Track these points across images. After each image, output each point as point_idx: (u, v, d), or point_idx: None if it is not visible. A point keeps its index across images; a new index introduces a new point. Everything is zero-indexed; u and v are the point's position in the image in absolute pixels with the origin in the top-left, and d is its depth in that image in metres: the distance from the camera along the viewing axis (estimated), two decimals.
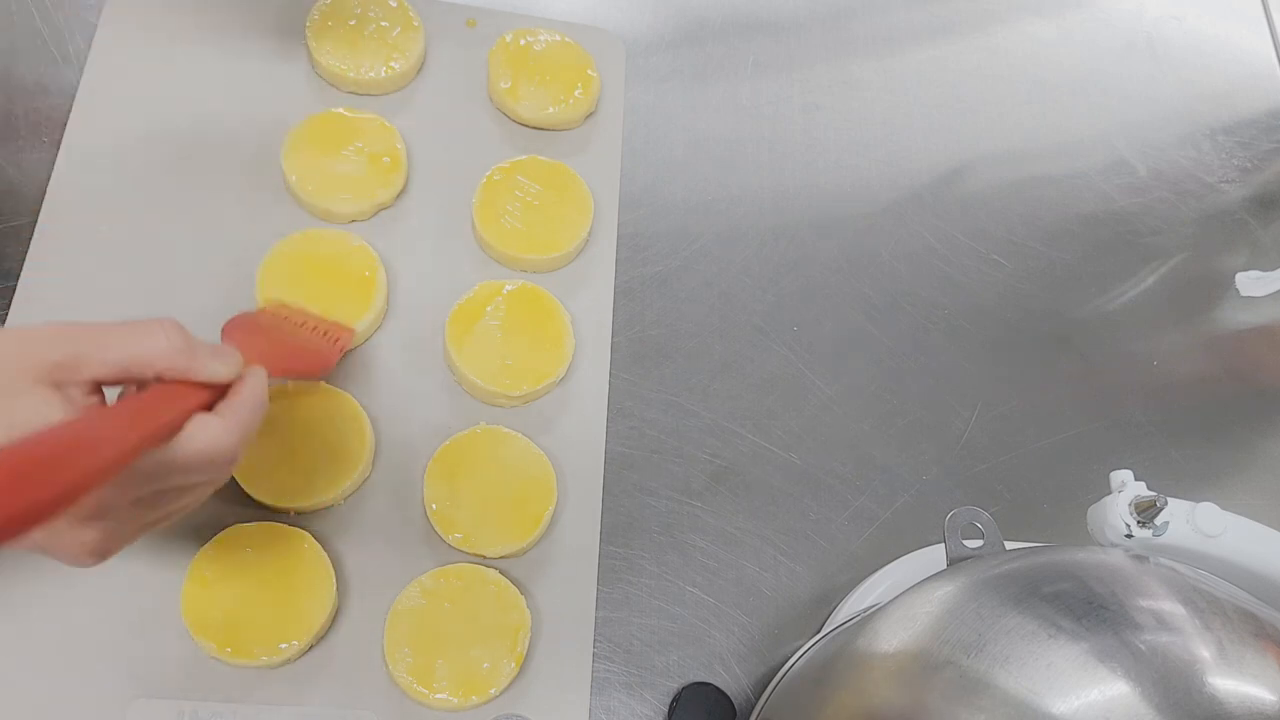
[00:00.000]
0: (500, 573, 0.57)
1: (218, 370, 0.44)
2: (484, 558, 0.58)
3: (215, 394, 0.45)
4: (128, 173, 0.63)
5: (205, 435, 0.42)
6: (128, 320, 0.43)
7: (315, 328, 0.58)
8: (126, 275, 0.61)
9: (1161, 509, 0.50)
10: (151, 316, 0.57)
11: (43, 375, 0.40)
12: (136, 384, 0.43)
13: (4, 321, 0.58)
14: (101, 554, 0.42)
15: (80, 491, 0.36)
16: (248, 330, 0.54)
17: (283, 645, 0.53)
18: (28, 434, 0.35)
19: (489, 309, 0.63)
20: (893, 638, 0.46)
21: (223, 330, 0.53)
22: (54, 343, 0.40)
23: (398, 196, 0.66)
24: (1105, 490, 0.53)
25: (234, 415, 0.44)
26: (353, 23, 0.68)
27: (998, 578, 0.46)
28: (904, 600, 0.48)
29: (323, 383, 0.59)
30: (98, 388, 0.42)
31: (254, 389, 0.46)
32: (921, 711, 0.42)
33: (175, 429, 0.42)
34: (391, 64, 0.68)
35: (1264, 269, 0.78)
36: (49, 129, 0.63)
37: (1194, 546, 0.50)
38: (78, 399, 0.41)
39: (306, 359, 0.56)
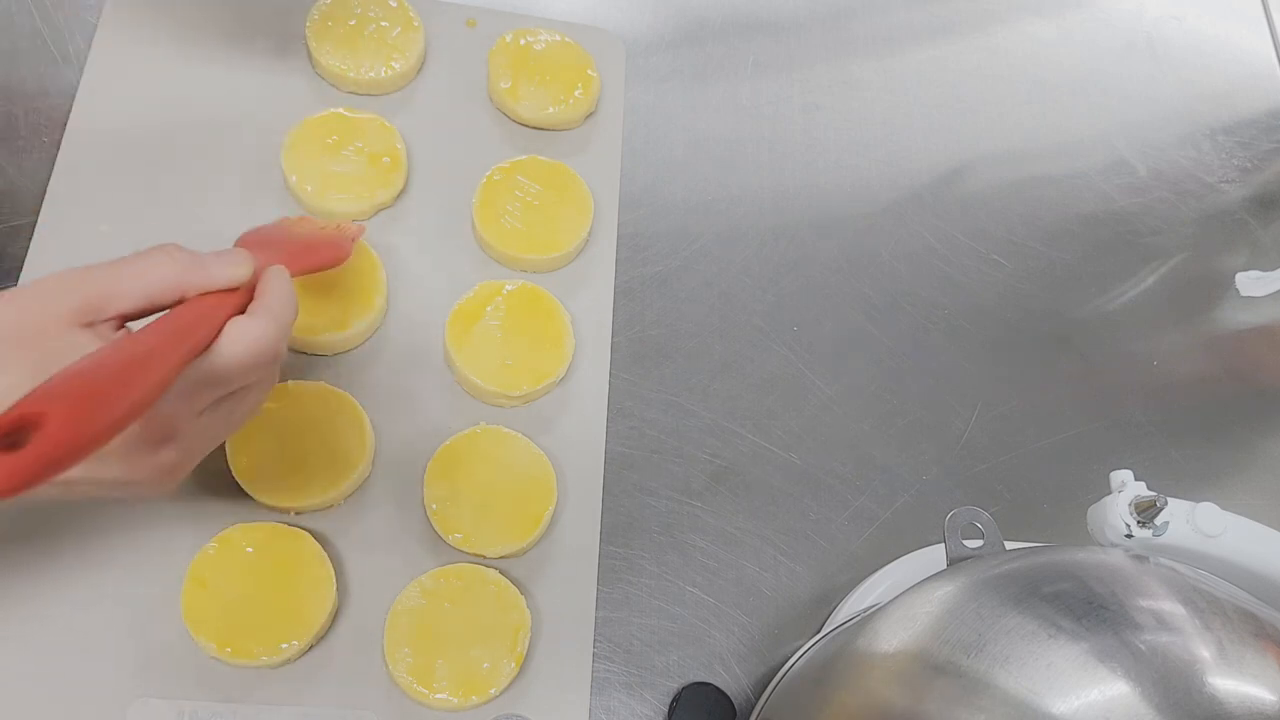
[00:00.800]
0: (500, 573, 0.57)
1: (233, 274, 0.46)
2: (484, 558, 0.58)
3: (243, 298, 0.46)
4: (128, 173, 0.63)
5: (244, 336, 0.44)
6: (131, 254, 0.44)
7: (323, 226, 0.60)
8: None
9: (1161, 509, 0.50)
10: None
11: (73, 318, 0.41)
12: (161, 311, 0.44)
13: None
14: (178, 473, 0.44)
15: (139, 409, 0.37)
16: (260, 238, 0.54)
17: (283, 645, 0.53)
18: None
19: (489, 309, 0.63)
20: (893, 638, 0.46)
21: (235, 243, 0.53)
22: (75, 286, 0.42)
23: (398, 196, 0.66)
24: (1105, 490, 0.53)
25: (266, 311, 0.45)
26: (353, 23, 0.68)
27: (998, 578, 0.46)
28: (904, 600, 0.48)
29: (323, 382, 0.59)
30: (123, 323, 0.43)
31: (279, 285, 0.47)
32: (921, 711, 0.42)
33: (212, 337, 0.43)
34: (391, 64, 0.68)
35: (1264, 269, 0.78)
36: (49, 129, 0.63)
37: (1194, 546, 0.50)
38: (108, 336, 0.42)
39: (321, 252, 0.57)
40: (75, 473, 0.38)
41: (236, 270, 0.46)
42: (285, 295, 0.47)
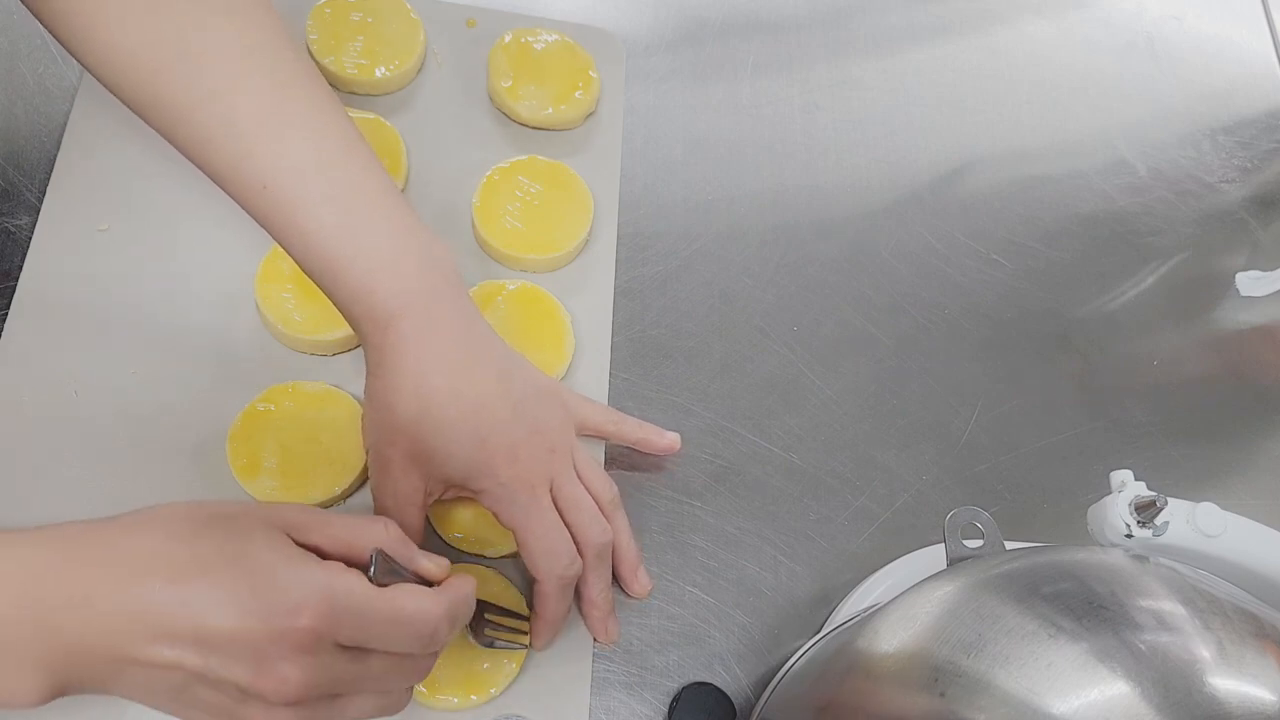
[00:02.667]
0: (500, 573, 0.57)
1: (429, 566, 0.46)
2: (484, 557, 0.58)
3: None
4: (128, 173, 0.63)
5: (412, 594, 0.43)
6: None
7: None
8: (127, 275, 0.61)
9: (1161, 509, 0.50)
10: (150, 318, 0.58)
11: (279, 526, 0.42)
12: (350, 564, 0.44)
13: (4, 321, 0.58)
14: (301, 702, 0.41)
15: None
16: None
17: None
18: (250, 557, 0.39)
19: (489, 309, 0.63)
20: (893, 638, 0.46)
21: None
22: (292, 510, 0.43)
23: None
24: (1105, 490, 0.53)
25: (443, 592, 0.45)
26: (353, 22, 0.68)
27: (998, 578, 0.46)
28: (904, 600, 0.48)
29: (322, 382, 0.59)
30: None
31: (463, 586, 0.47)
32: (921, 711, 0.42)
33: None
34: (391, 64, 0.68)
35: (1264, 269, 0.78)
36: (49, 129, 0.63)
37: (1194, 546, 0.50)
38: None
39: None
40: (203, 662, 0.38)
41: (434, 567, 0.46)
42: (465, 595, 0.46)
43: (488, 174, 0.66)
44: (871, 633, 0.48)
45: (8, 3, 0.66)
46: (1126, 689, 0.38)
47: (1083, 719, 0.38)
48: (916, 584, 0.49)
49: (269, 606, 0.39)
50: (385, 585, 0.42)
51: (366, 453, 0.54)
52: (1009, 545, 0.51)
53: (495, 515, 0.54)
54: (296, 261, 0.52)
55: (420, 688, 0.54)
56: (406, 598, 0.43)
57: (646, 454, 0.63)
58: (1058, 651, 0.40)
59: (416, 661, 0.44)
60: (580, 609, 0.57)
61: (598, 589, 0.56)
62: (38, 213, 0.61)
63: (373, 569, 0.42)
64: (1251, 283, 0.78)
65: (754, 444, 0.65)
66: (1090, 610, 0.41)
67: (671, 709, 0.57)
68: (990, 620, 0.42)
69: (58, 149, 0.62)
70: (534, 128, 0.70)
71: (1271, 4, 0.91)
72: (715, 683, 0.58)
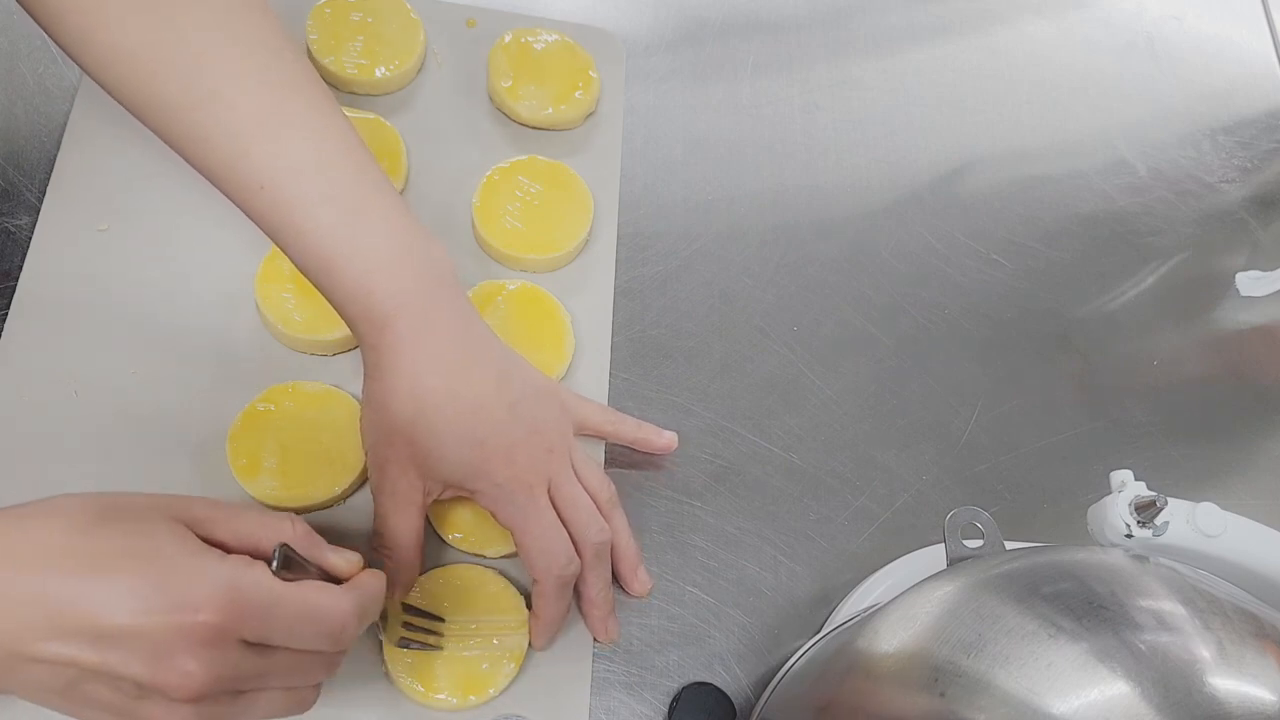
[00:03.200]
0: (500, 573, 0.57)
1: (336, 561, 0.45)
2: (483, 557, 0.58)
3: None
4: (128, 173, 0.63)
5: (319, 590, 0.43)
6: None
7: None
8: (127, 275, 0.61)
9: (1161, 509, 0.50)
10: (150, 318, 0.59)
11: (182, 519, 0.41)
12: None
13: (4, 321, 0.58)
14: (201, 699, 0.40)
15: None
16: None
17: None
18: (151, 550, 0.39)
19: (489, 309, 0.63)
20: (893, 638, 0.46)
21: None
22: (197, 503, 0.42)
23: None
24: (1105, 490, 0.53)
25: (352, 588, 0.44)
26: (353, 22, 0.68)
27: (998, 578, 0.46)
28: (904, 600, 0.48)
29: (322, 382, 0.59)
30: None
31: (373, 582, 0.46)
32: (921, 711, 0.42)
33: None
34: (391, 64, 0.68)
35: (1264, 269, 0.78)
36: (49, 129, 0.63)
37: (1194, 546, 0.50)
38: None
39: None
40: (99, 658, 0.38)
41: (344, 563, 0.46)
42: (375, 593, 0.46)
43: (488, 174, 0.66)
44: (871, 633, 0.48)
45: (8, 3, 0.66)
46: (1126, 689, 0.38)
47: (1083, 719, 0.38)
48: (916, 584, 0.49)
49: (169, 600, 0.38)
50: (290, 580, 0.42)
51: (365, 454, 0.54)
52: (1009, 545, 0.51)
53: (493, 515, 0.54)
54: (293, 262, 0.52)
55: (418, 686, 0.53)
56: (313, 593, 0.42)
57: (645, 454, 0.63)
58: (1058, 651, 0.40)
59: (323, 658, 0.44)
60: (580, 608, 0.57)
61: (597, 588, 0.56)
62: (38, 213, 0.61)
63: (274, 563, 0.41)
64: (1251, 283, 0.78)
65: (754, 444, 0.65)
66: (1090, 610, 0.41)
67: (671, 709, 0.57)
68: (990, 620, 0.42)
69: (58, 149, 0.62)
70: (534, 128, 0.70)
71: (1271, 4, 0.91)
72: (715, 683, 0.58)
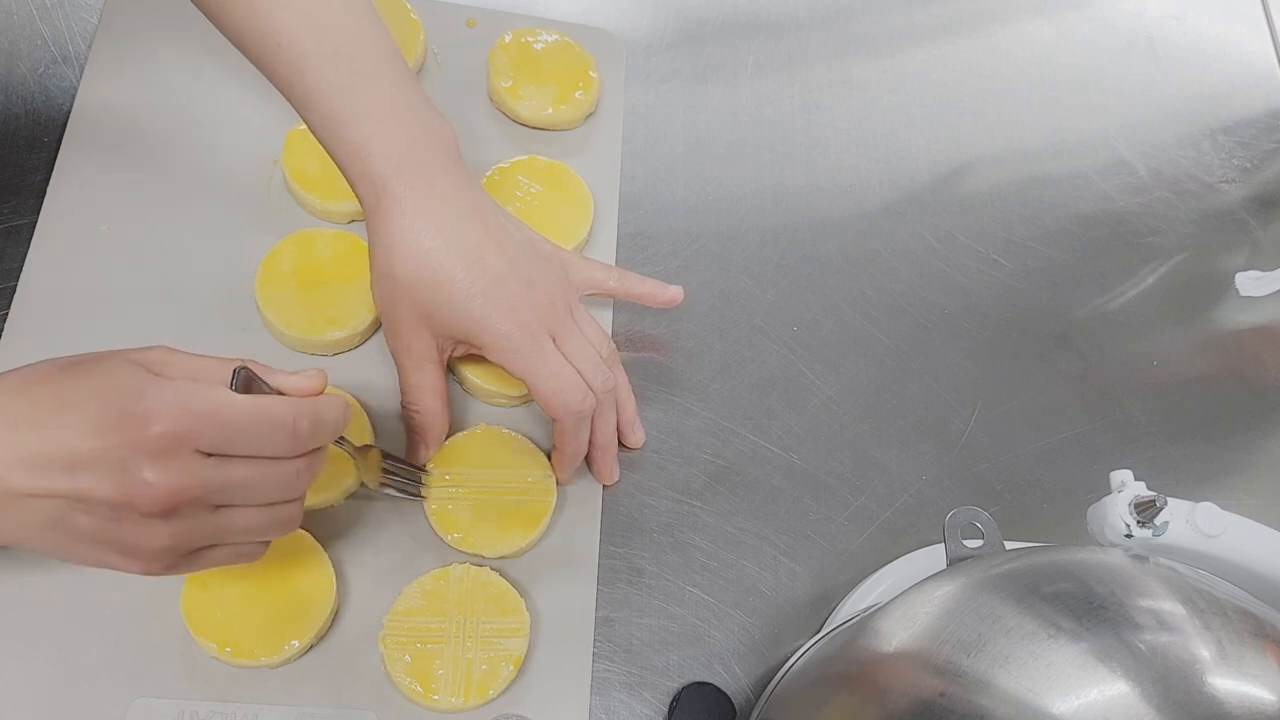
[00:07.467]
0: (500, 573, 0.57)
1: (298, 382, 0.47)
2: (483, 557, 0.58)
3: None
4: (128, 173, 0.63)
5: (272, 398, 0.45)
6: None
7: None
8: (127, 275, 0.61)
9: (1161, 509, 0.50)
10: (150, 317, 0.59)
11: (138, 361, 0.44)
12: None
13: (4, 321, 0.58)
14: (173, 517, 0.42)
15: None
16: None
17: (283, 645, 0.53)
18: (109, 385, 0.42)
19: None
20: (893, 638, 0.46)
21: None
22: (154, 349, 0.45)
23: None
24: (1105, 490, 0.53)
25: (293, 394, 0.47)
26: None
27: (998, 578, 0.46)
28: (904, 600, 0.48)
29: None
30: None
31: (333, 398, 0.48)
32: (921, 711, 0.42)
33: None
34: None
35: (1264, 269, 0.78)
36: (49, 129, 0.63)
37: (1194, 546, 0.50)
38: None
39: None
40: (68, 483, 0.40)
41: (304, 380, 0.47)
42: (335, 403, 0.48)
43: (488, 174, 0.66)
44: (871, 633, 0.48)
45: (8, 3, 0.66)
46: (1126, 689, 0.38)
47: (1083, 719, 0.38)
48: (916, 584, 0.49)
49: (125, 418, 0.40)
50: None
51: (379, 317, 0.57)
52: (1009, 545, 0.51)
53: (504, 368, 0.55)
54: (305, 121, 0.54)
55: (417, 687, 0.53)
56: (266, 400, 0.44)
57: (655, 309, 0.65)
58: (1058, 651, 0.40)
59: (290, 468, 0.45)
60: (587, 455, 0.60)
61: (604, 433, 0.59)
62: (38, 212, 0.61)
63: (234, 383, 0.43)
64: (1251, 283, 0.78)
65: (754, 444, 0.65)
66: (1090, 610, 0.41)
67: (671, 709, 0.57)
68: (990, 620, 0.42)
69: (58, 149, 0.62)
70: (534, 128, 0.70)
71: (1271, 4, 0.91)
72: (715, 683, 0.58)
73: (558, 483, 0.60)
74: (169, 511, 0.42)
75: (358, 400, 0.59)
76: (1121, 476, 0.53)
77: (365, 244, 0.62)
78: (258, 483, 0.44)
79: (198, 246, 0.62)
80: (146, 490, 0.41)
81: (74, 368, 0.43)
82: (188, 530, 0.43)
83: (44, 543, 0.43)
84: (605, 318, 0.66)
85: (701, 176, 0.73)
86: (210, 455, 0.42)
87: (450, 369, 0.62)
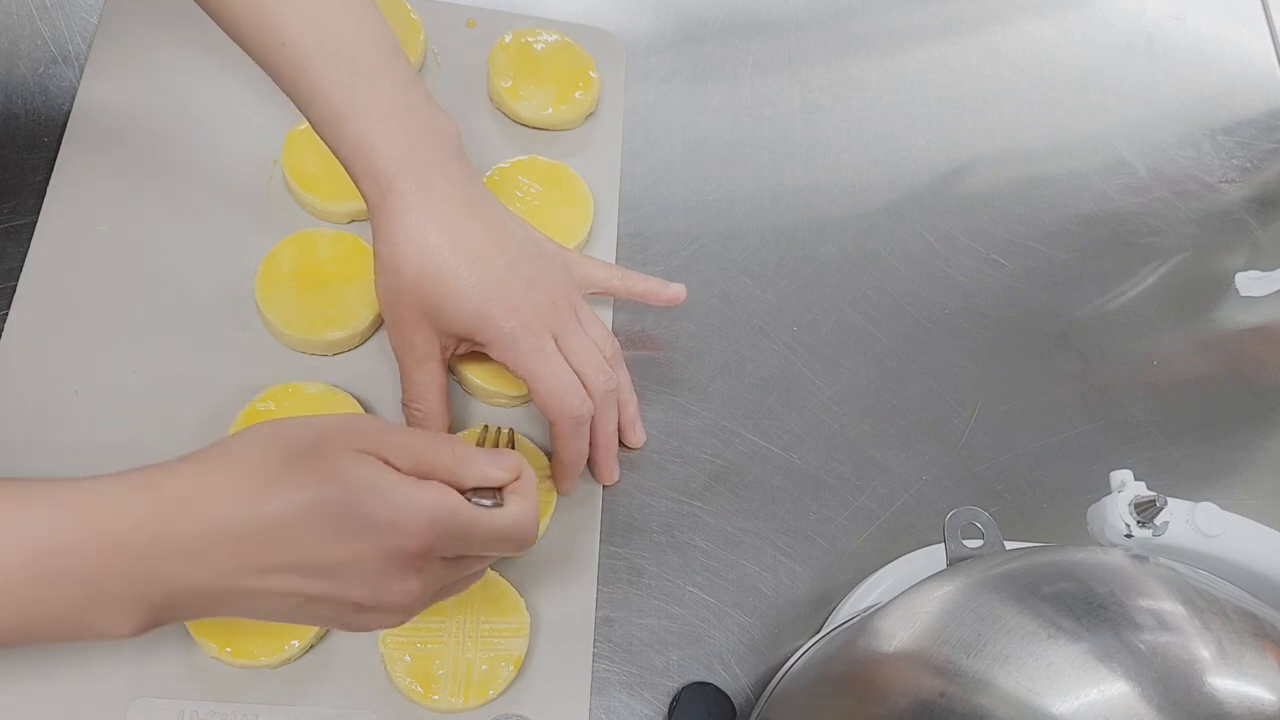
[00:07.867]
0: (500, 573, 0.57)
1: (501, 476, 0.48)
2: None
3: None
4: (128, 173, 0.63)
5: (506, 514, 0.46)
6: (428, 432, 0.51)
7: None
8: (126, 275, 0.61)
9: (1161, 509, 0.50)
10: (150, 317, 0.58)
11: (363, 449, 0.44)
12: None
13: (4, 321, 0.58)
14: (415, 608, 0.46)
15: None
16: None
17: (283, 645, 0.53)
18: (347, 485, 0.42)
19: None
20: (892, 638, 0.46)
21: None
22: (367, 432, 0.45)
23: None
24: (1105, 490, 0.53)
25: (525, 497, 0.48)
26: None
27: (998, 578, 0.46)
28: (904, 600, 0.48)
29: (322, 382, 0.59)
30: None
31: (531, 476, 0.49)
32: (921, 711, 0.42)
33: None
34: None
35: (1264, 269, 0.78)
36: (49, 129, 0.63)
37: (1194, 546, 0.50)
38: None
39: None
40: (320, 588, 0.42)
41: (503, 474, 0.48)
42: (534, 485, 0.49)
43: (488, 174, 0.66)
44: (871, 633, 0.48)
45: (8, 3, 0.66)
46: (1126, 689, 0.38)
47: (1083, 719, 0.38)
48: (916, 584, 0.49)
49: (367, 525, 0.42)
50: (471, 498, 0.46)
51: (383, 315, 0.57)
52: (1009, 545, 0.51)
53: (506, 366, 0.56)
54: (309, 120, 0.54)
55: (418, 687, 0.53)
56: (500, 516, 0.46)
57: (658, 308, 0.65)
58: (1058, 651, 0.40)
59: (517, 546, 0.48)
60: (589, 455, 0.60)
61: (605, 433, 0.59)
62: (38, 212, 0.61)
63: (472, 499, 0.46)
64: (1251, 283, 0.78)
65: (754, 444, 0.65)
66: (1090, 610, 0.41)
67: (671, 709, 0.57)
68: (990, 620, 0.42)
69: (58, 149, 0.62)
70: (534, 128, 0.70)
71: (1271, 4, 0.91)
72: (715, 683, 0.58)
73: (559, 494, 0.59)
74: (410, 609, 0.46)
75: (358, 400, 0.59)
76: (1121, 476, 0.53)
77: (366, 244, 0.62)
78: (479, 566, 0.50)
79: (198, 246, 0.62)
80: (404, 598, 0.44)
81: (295, 462, 0.43)
82: (416, 612, 0.47)
83: (270, 619, 0.45)
84: (606, 317, 0.66)
85: (701, 176, 0.73)
86: (449, 559, 0.46)
87: (450, 369, 0.62)
